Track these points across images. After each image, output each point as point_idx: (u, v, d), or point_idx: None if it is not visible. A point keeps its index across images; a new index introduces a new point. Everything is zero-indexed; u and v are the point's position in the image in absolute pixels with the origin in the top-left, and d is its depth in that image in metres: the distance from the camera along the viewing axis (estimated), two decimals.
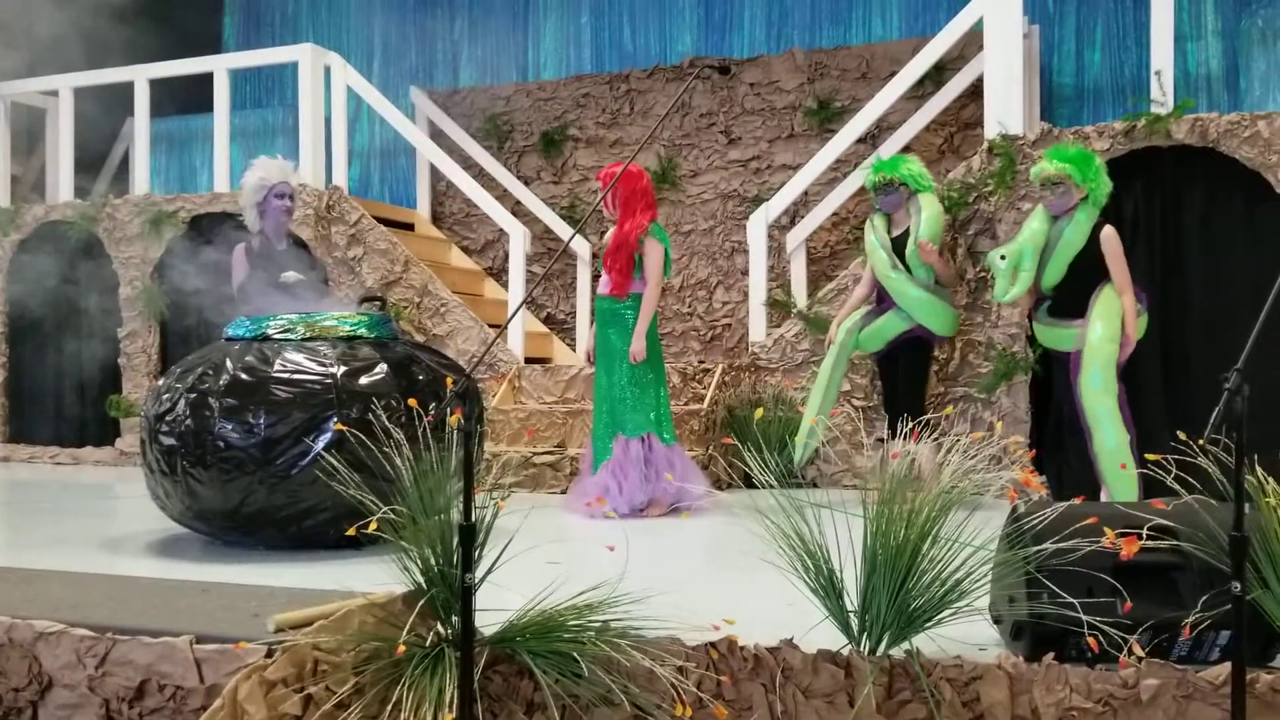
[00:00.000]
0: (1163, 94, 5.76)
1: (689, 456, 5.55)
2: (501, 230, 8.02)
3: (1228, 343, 5.42)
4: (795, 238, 7.06)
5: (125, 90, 8.42)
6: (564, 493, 6.08)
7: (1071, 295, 5.03)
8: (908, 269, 5.54)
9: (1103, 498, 4.72)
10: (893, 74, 6.94)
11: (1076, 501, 2.42)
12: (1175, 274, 5.73)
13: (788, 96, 7.89)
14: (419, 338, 7.24)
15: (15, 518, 5.59)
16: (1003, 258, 5.15)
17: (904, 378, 5.66)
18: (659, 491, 5.14)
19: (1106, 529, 2.27)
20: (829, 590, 2.41)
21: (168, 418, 4.05)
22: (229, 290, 5.37)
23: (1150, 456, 2.48)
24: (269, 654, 2.37)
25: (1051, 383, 5.26)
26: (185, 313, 7.85)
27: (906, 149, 6.74)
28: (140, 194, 8.36)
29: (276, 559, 4.00)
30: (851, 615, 2.40)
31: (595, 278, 8.29)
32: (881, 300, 5.66)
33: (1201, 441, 2.12)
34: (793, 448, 5.64)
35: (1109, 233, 4.96)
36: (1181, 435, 2.33)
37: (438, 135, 8.66)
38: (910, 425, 2.79)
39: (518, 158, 8.69)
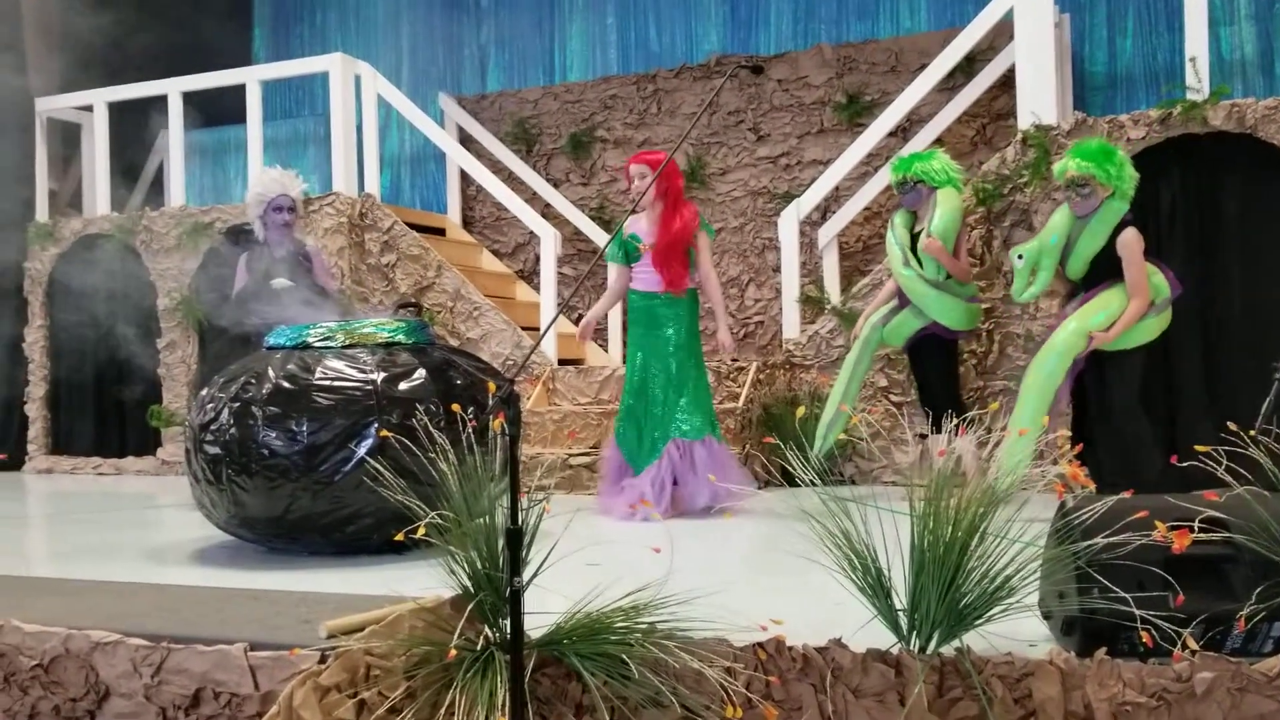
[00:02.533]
0: (1198, 80, 5.70)
1: (733, 455, 5.50)
2: (532, 233, 8.05)
3: (1271, 331, 5.38)
4: (827, 233, 7.04)
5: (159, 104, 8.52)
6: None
7: (1084, 287, 5.05)
8: (920, 265, 5.51)
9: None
10: (922, 67, 6.91)
11: (1126, 495, 2.40)
12: (1215, 262, 5.68)
13: (816, 92, 7.87)
14: (453, 342, 7.28)
15: (63, 529, 5.67)
16: (1020, 257, 5.14)
17: (932, 374, 5.66)
18: (713, 494, 5.05)
19: (1158, 523, 2.25)
20: (877, 589, 2.41)
21: (212, 427, 4.10)
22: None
23: (1200, 448, 2.46)
24: (322, 660, 2.39)
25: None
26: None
27: (938, 141, 6.71)
28: (176, 206, 8.45)
29: (321, 565, 4.04)
30: (900, 614, 2.39)
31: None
32: (903, 296, 5.64)
33: (1253, 432, 2.10)
34: (816, 439, 5.61)
35: (1127, 236, 4.88)
36: (1231, 426, 2.31)
37: (467, 140, 8.71)
38: (954, 421, 2.77)
39: (546, 161, 8.71)
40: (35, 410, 8.78)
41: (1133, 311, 4.84)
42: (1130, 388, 4.94)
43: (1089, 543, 2.28)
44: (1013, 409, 4.95)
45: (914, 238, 5.59)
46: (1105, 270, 4.95)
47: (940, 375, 5.66)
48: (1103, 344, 4.82)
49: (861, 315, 5.86)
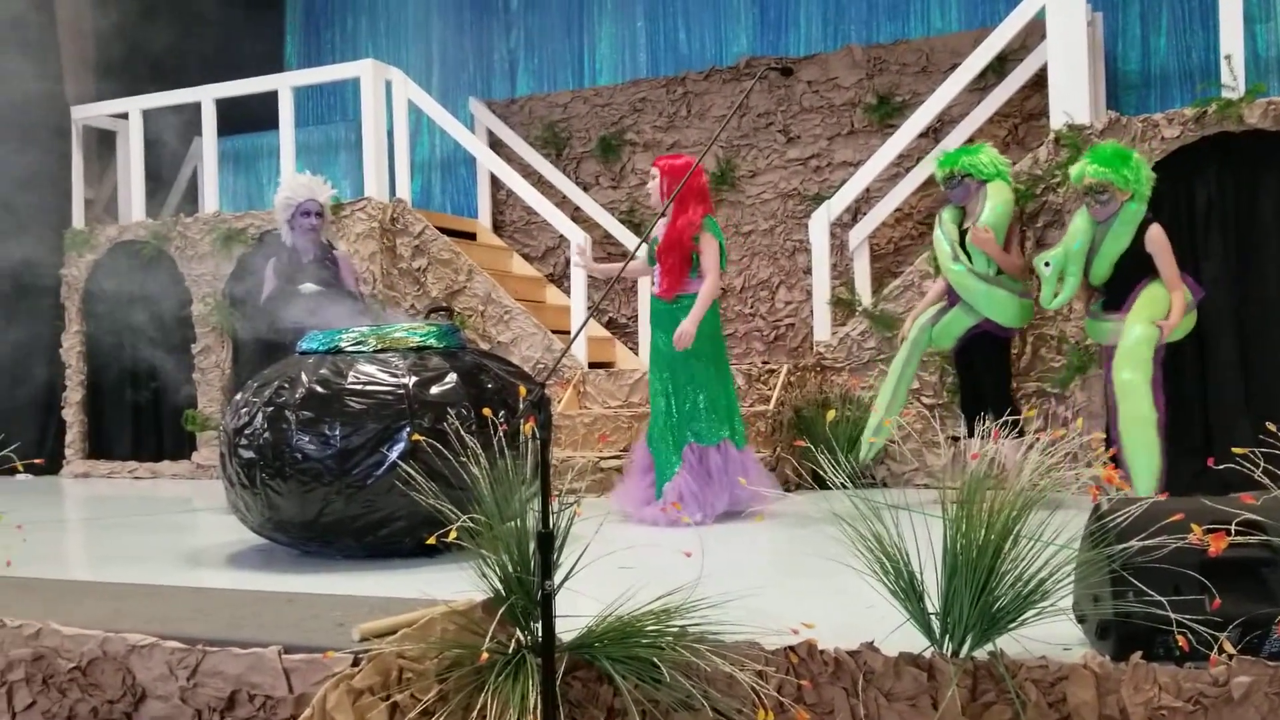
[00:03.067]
0: (1233, 78, 5.64)
1: (756, 458, 5.44)
2: (561, 237, 8.07)
3: None
4: (858, 235, 7.02)
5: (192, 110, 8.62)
6: None
7: (1120, 291, 5.02)
8: (970, 260, 5.42)
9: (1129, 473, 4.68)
10: (953, 67, 6.87)
11: (1161, 498, 2.38)
12: (1251, 261, 5.61)
13: (846, 93, 7.84)
14: (484, 345, 7.31)
15: (100, 533, 5.74)
16: (1046, 264, 5.12)
17: (984, 375, 5.52)
18: (735, 498, 5.05)
19: (1194, 525, 2.23)
20: (909, 593, 2.39)
21: (246, 431, 4.13)
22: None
23: (1237, 450, 2.43)
24: (355, 663, 2.41)
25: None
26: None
27: (969, 141, 6.67)
28: (210, 212, 8.53)
29: (354, 568, 4.07)
30: (933, 617, 2.38)
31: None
32: (952, 295, 5.54)
33: None
34: (861, 446, 5.58)
35: (1154, 233, 4.91)
36: (1270, 426, 2.28)
37: (497, 145, 8.75)
38: (989, 424, 2.75)
39: (576, 164, 8.73)
40: (72, 414, 8.90)
41: (1178, 303, 4.86)
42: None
43: (1124, 546, 2.26)
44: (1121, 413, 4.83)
45: (963, 234, 5.49)
46: (1131, 272, 4.96)
47: (994, 375, 5.51)
48: (1171, 330, 4.83)
49: (909, 316, 5.75)
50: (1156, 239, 4.90)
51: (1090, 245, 5.06)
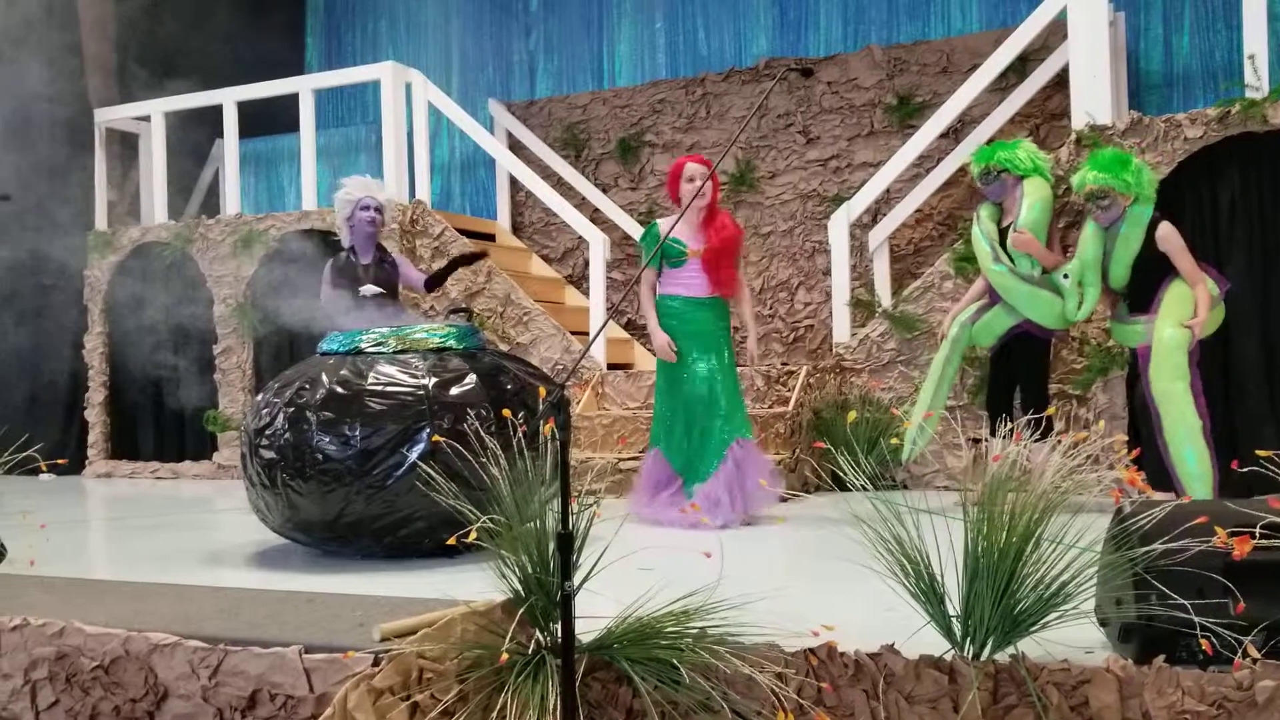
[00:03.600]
0: (1257, 77, 5.59)
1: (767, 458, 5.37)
2: (580, 238, 8.08)
3: None
4: (878, 236, 6.99)
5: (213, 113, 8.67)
6: None
7: (1143, 293, 4.99)
8: (1012, 261, 5.33)
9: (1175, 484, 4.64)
10: (974, 67, 6.85)
11: (1184, 500, 2.36)
12: (1275, 263, 5.56)
13: (866, 94, 7.82)
14: (503, 346, 7.33)
15: (123, 533, 5.77)
16: (1065, 276, 5.10)
17: (1022, 376, 5.43)
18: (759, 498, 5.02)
19: (1218, 528, 2.21)
20: (930, 595, 2.39)
21: (267, 431, 4.15)
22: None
23: (1261, 453, 2.41)
24: (375, 662, 2.42)
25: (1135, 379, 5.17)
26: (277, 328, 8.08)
27: (989, 143, 6.64)
28: (231, 214, 8.58)
29: (374, 568, 4.08)
30: (954, 620, 2.37)
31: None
32: (993, 293, 5.43)
33: None
34: (884, 449, 5.52)
35: (1165, 230, 4.89)
36: None
37: (516, 146, 8.77)
38: (1008, 425, 2.73)
39: (595, 165, 8.74)
40: (95, 415, 8.96)
41: (1203, 298, 4.82)
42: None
43: (1147, 549, 2.24)
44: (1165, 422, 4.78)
45: (1003, 233, 5.42)
46: (1151, 273, 4.93)
47: (1033, 376, 5.41)
48: (1200, 328, 4.79)
49: (948, 315, 5.72)
50: (1168, 236, 4.88)
51: (1103, 252, 5.04)
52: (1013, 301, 5.31)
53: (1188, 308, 4.83)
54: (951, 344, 5.54)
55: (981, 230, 5.44)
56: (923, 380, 5.78)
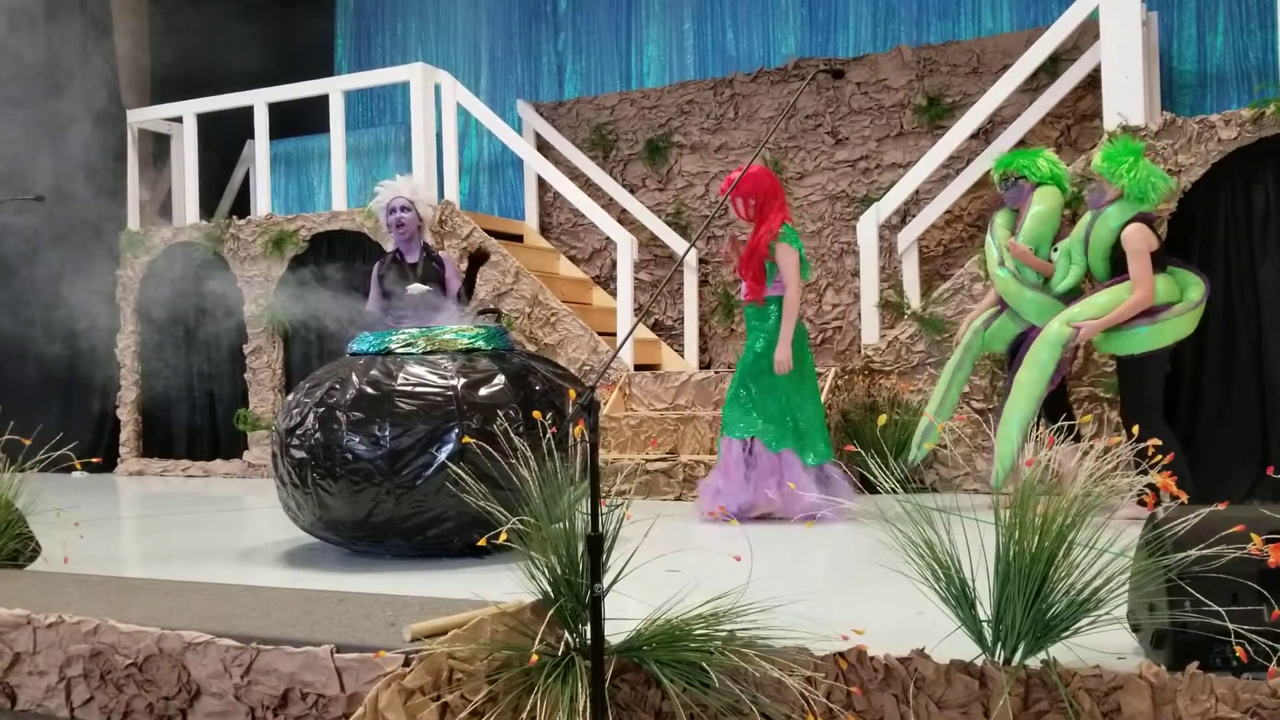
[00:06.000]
0: None
1: (840, 473, 5.24)
2: (608, 239, 8.09)
3: None
4: (907, 237, 6.97)
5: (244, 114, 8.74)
6: (678, 499, 6.11)
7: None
8: (1017, 267, 5.35)
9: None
10: (1005, 67, 6.81)
11: (1220, 507, 2.34)
12: None
13: (896, 94, 7.79)
14: (530, 347, 7.35)
15: (155, 531, 5.83)
16: (1054, 249, 5.21)
17: None
18: (759, 497, 5.10)
19: (1253, 535, 2.19)
20: (960, 599, 2.37)
21: (298, 431, 4.18)
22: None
23: None
24: (406, 662, 2.43)
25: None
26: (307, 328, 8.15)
27: (1021, 143, 6.61)
28: (262, 214, 8.65)
29: (403, 567, 4.11)
30: (985, 625, 2.36)
31: (703, 283, 8.32)
32: (1002, 299, 5.47)
33: None
34: (909, 448, 5.53)
35: (1132, 230, 4.88)
36: None
37: (544, 147, 8.79)
38: (1039, 430, 2.72)
39: (623, 166, 8.75)
40: (126, 414, 9.05)
41: (1130, 304, 4.81)
42: (1151, 390, 4.90)
43: (1182, 554, 2.23)
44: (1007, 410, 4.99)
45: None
46: (1121, 269, 4.93)
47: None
48: (1090, 335, 4.89)
49: (965, 320, 5.72)
50: (1131, 236, 4.86)
51: (1085, 237, 5.07)
52: (1017, 307, 5.36)
53: (1092, 309, 4.86)
54: (963, 349, 5.59)
55: (993, 237, 5.49)
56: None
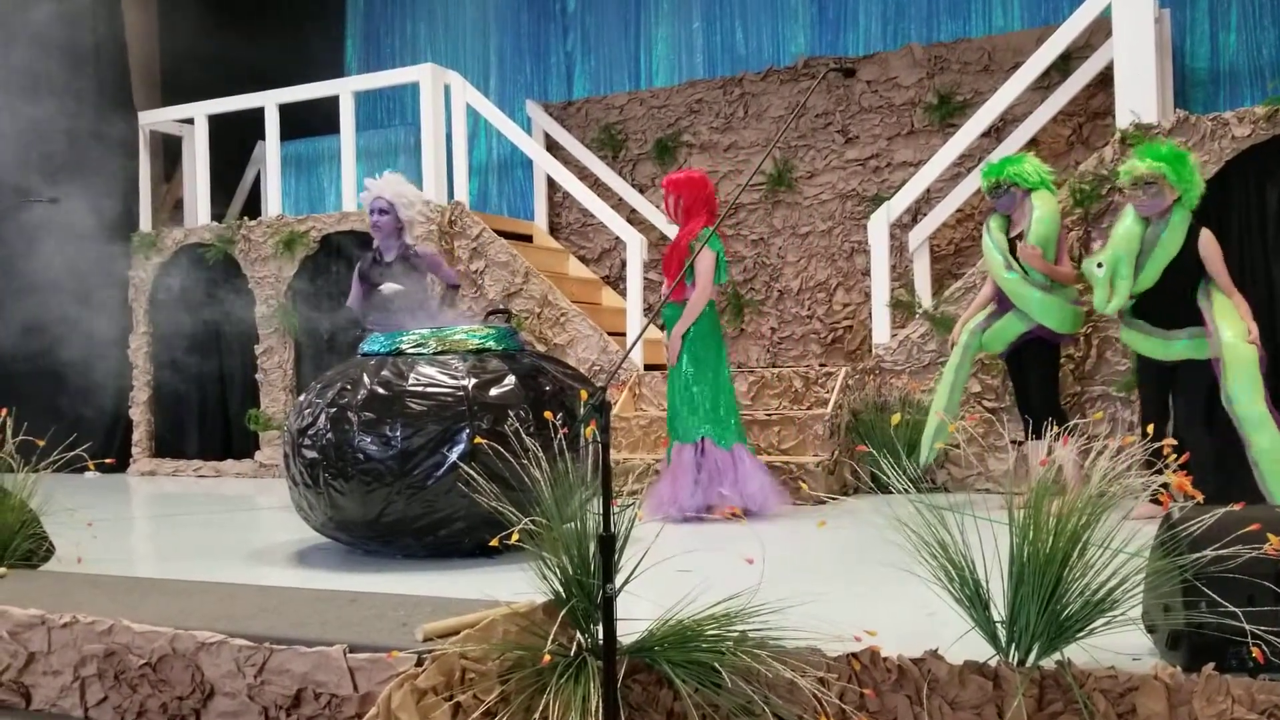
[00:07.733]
0: None
1: (756, 458, 5.47)
2: (618, 239, 8.09)
3: None
4: (918, 236, 6.95)
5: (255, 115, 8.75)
6: None
7: (1163, 300, 4.88)
8: (1024, 269, 5.36)
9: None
10: (1016, 65, 6.78)
11: (1236, 507, 2.33)
12: None
13: (906, 93, 7.77)
14: (540, 347, 7.35)
15: (168, 530, 5.85)
16: (1099, 265, 5.02)
17: (1033, 379, 5.47)
18: (714, 497, 5.12)
19: (1270, 535, 2.18)
20: (974, 600, 2.36)
21: (309, 431, 4.19)
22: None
23: None
24: (419, 662, 2.43)
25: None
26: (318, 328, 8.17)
27: (1033, 141, 6.59)
28: (273, 215, 8.66)
29: (415, 567, 4.11)
30: (999, 625, 2.35)
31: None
32: (1003, 301, 5.48)
33: None
34: (921, 449, 5.53)
35: (1208, 237, 4.82)
36: None
37: (554, 147, 8.79)
38: (1054, 429, 2.71)
39: (632, 166, 8.74)
40: (139, 414, 9.08)
41: (1242, 304, 4.77)
42: (1202, 398, 4.84)
43: (1197, 555, 2.21)
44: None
45: (1012, 242, 5.45)
46: (1176, 281, 4.84)
47: (1042, 380, 5.45)
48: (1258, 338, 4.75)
49: (958, 322, 5.72)
50: (1209, 244, 4.80)
51: (1140, 250, 4.95)
52: (1025, 308, 5.34)
53: (1237, 318, 4.75)
54: (962, 350, 5.59)
55: (992, 240, 5.48)
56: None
